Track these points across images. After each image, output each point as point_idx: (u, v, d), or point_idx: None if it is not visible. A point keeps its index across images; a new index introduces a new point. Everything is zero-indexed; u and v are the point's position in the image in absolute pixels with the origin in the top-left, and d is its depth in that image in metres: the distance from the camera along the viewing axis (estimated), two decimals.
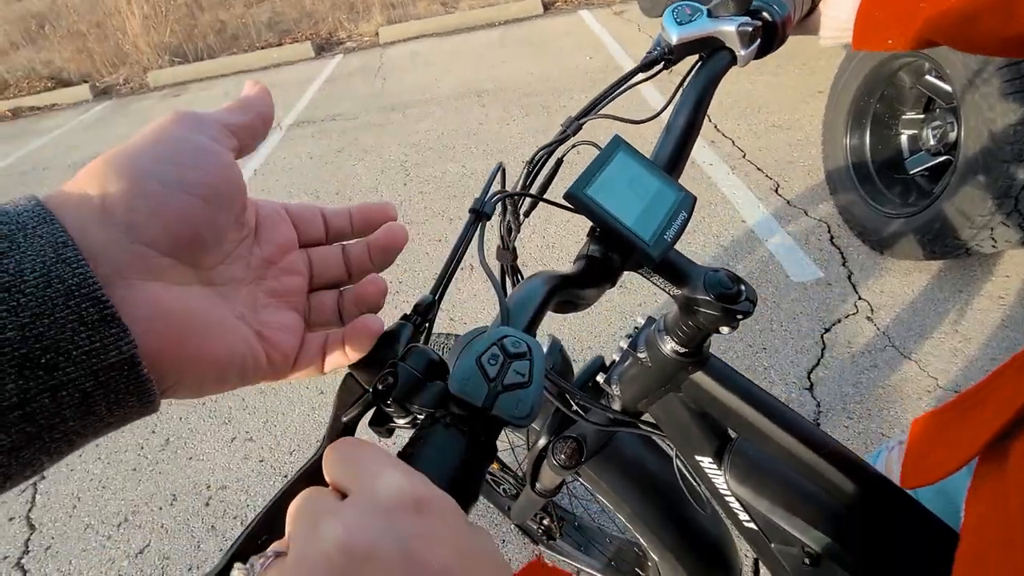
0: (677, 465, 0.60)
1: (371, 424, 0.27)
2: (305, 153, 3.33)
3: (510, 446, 1.14)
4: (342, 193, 2.79)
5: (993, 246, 1.51)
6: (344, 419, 0.26)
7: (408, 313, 0.28)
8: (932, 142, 1.65)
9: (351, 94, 4.17)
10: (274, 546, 0.19)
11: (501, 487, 1.09)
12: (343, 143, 3.34)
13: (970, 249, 1.54)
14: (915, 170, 1.74)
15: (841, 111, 1.86)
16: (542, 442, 0.62)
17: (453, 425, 0.23)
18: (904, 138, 1.78)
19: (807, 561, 0.50)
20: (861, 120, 1.83)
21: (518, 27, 4.98)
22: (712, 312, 0.38)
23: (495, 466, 1.06)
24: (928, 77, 1.63)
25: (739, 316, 0.38)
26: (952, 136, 1.56)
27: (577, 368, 0.61)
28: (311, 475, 0.24)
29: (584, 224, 0.34)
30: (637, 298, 1.86)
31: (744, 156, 2.44)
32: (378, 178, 2.85)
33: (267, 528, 0.24)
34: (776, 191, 2.21)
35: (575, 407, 0.55)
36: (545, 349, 0.60)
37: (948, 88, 1.53)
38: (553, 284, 0.29)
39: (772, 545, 0.55)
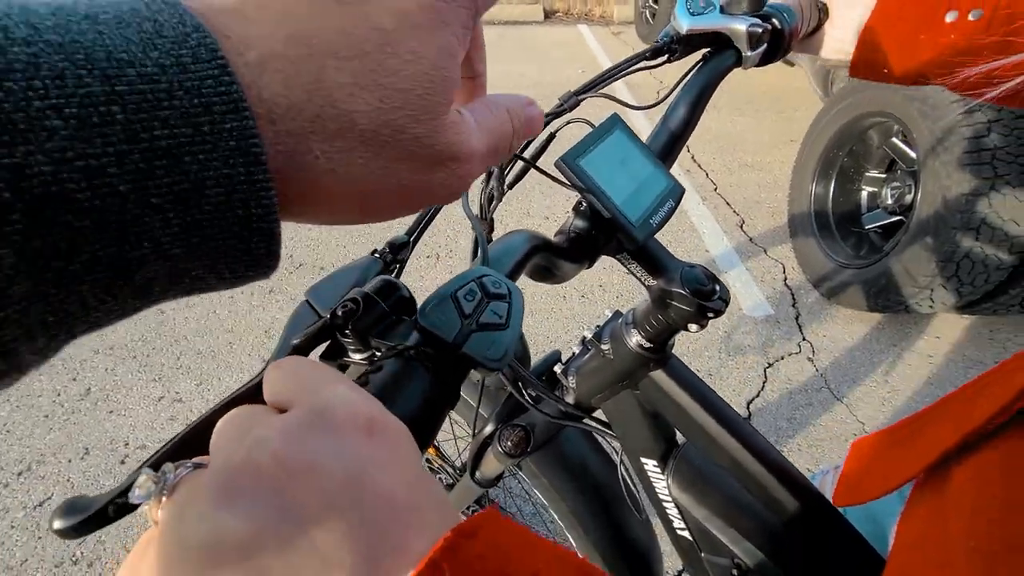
0: (621, 465, 0.60)
1: (323, 357, 0.24)
2: None
3: (452, 437, 1.12)
4: None
5: (930, 307, 1.61)
6: (294, 342, 0.23)
7: (380, 248, 0.26)
8: (889, 201, 1.74)
9: None
10: (195, 459, 0.17)
11: (438, 476, 1.07)
12: None
13: (909, 307, 1.63)
14: (870, 226, 1.83)
15: (811, 159, 1.94)
16: (489, 428, 0.60)
17: (417, 360, 0.21)
18: (864, 194, 1.88)
19: (735, 573, 0.51)
20: (828, 171, 1.92)
21: (516, 30, 4.99)
22: (685, 307, 0.38)
23: (432, 452, 1.03)
24: (895, 139, 1.73)
25: (710, 314, 0.38)
26: (908, 198, 1.66)
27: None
28: (247, 397, 0.21)
29: (559, 211, 0.33)
30: (596, 309, 1.88)
31: (715, 189, 2.52)
32: None
33: (189, 449, 0.21)
34: (741, 227, 2.29)
35: (529, 395, 0.54)
36: None
37: (912, 153, 1.62)
38: (536, 242, 0.28)
39: (703, 555, 0.55)
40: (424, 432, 0.20)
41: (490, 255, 0.25)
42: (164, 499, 0.16)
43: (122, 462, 1.41)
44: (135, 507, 0.17)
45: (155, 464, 0.17)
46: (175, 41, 0.13)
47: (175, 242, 0.14)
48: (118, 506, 0.19)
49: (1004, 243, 1.40)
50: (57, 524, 0.19)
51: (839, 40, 0.47)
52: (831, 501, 0.47)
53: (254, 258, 0.15)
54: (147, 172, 0.12)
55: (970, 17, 0.40)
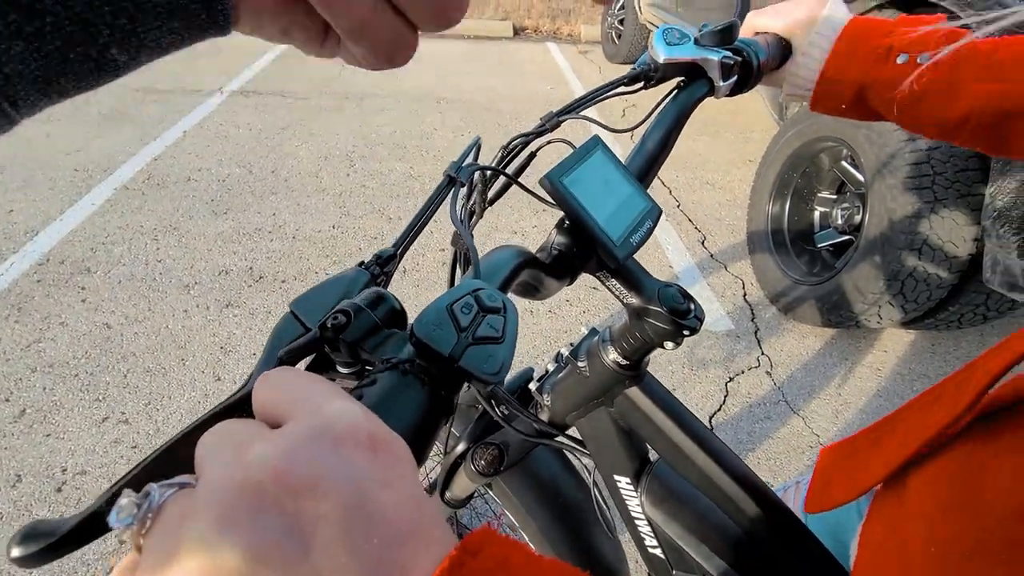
0: (593, 484, 0.59)
1: (309, 370, 0.23)
2: (245, 124, 3.12)
3: None
4: (278, 172, 2.64)
5: (878, 322, 1.69)
6: (280, 354, 0.22)
7: (366, 260, 0.25)
8: (840, 221, 1.83)
9: (306, 73, 4.00)
10: (180, 477, 0.16)
11: None
12: (288, 121, 3.18)
13: (859, 322, 1.71)
14: (823, 244, 1.92)
15: (768, 180, 2.03)
16: (461, 447, 0.59)
17: (413, 373, 0.20)
18: (817, 214, 1.97)
19: None
20: (784, 191, 2.00)
21: (486, 45, 5.04)
22: (661, 325, 0.38)
23: None
24: (844, 163, 1.83)
25: (686, 332, 0.39)
26: (857, 219, 1.75)
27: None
28: (232, 410, 0.20)
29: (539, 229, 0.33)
30: (564, 324, 1.89)
31: (678, 206, 2.59)
32: (320, 164, 2.73)
33: (166, 467, 0.19)
34: (703, 243, 2.36)
35: (502, 413, 0.53)
36: None
37: (860, 176, 1.71)
38: (524, 258, 0.28)
39: (673, 572, 0.55)
40: (421, 447, 0.19)
41: (482, 267, 0.25)
42: (149, 523, 0.15)
43: (58, 489, 1.31)
44: (106, 530, 0.15)
45: (132, 484, 0.16)
46: None
47: None
48: (86, 530, 0.17)
49: (944, 263, 1.49)
50: (16, 552, 0.17)
51: (800, 78, 0.50)
52: (795, 513, 0.49)
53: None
54: None
55: (919, 60, 0.43)
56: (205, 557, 0.14)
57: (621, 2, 4.44)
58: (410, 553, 0.15)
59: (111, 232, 2.15)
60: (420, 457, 0.20)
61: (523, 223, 2.35)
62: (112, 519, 0.14)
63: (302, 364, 0.23)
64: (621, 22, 4.47)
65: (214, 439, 0.17)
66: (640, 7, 3.91)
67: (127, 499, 0.15)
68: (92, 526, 0.17)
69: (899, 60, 0.44)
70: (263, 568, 0.14)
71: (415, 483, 0.17)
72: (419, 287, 2.00)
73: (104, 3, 0.14)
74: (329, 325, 0.21)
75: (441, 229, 2.22)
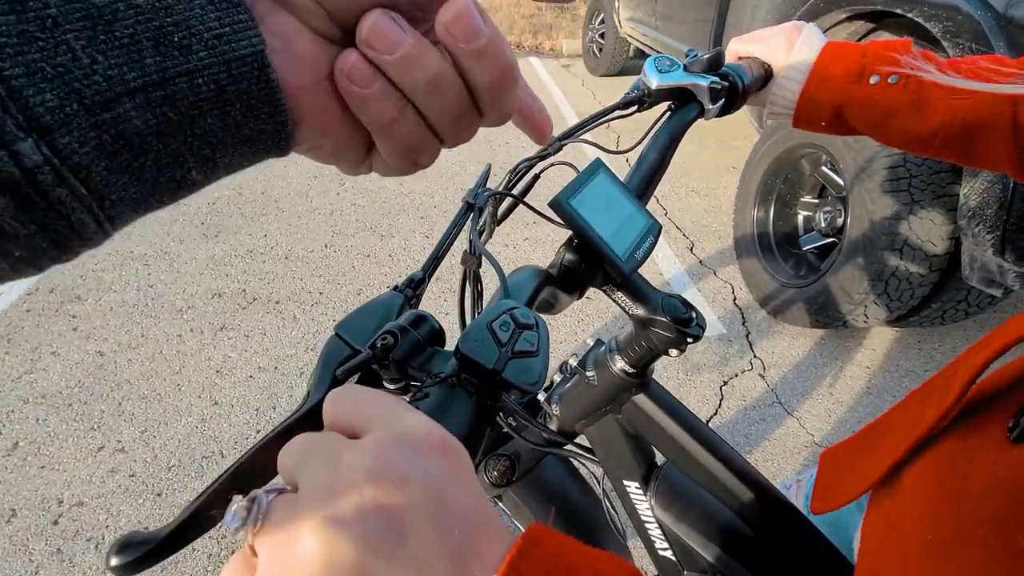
0: (603, 492, 0.61)
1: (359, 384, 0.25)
2: None
3: None
4: (268, 193, 2.64)
5: (865, 321, 1.73)
6: (338, 373, 0.24)
7: (399, 284, 0.28)
8: (823, 224, 1.88)
9: None
10: (273, 484, 0.18)
11: None
12: None
13: (847, 322, 1.76)
14: (807, 247, 1.97)
15: (751, 186, 2.08)
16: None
17: (460, 386, 0.22)
18: (800, 218, 2.02)
19: None
20: (767, 197, 2.05)
21: None
22: (666, 333, 0.41)
23: None
24: (824, 168, 1.88)
25: (689, 339, 0.41)
26: (840, 221, 1.80)
27: None
28: (299, 426, 0.22)
29: (543, 248, 0.35)
30: (561, 335, 1.91)
31: (666, 214, 2.64)
32: (310, 183, 2.74)
33: (247, 477, 0.21)
34: (691, 250, 2.40)
35: (511, 424, 0.55)
36: None
37: (840, 180, 1.77)
38: (544, 276, 0.30)
39: (685, 573, 0.57)
40: (473, 452, 0.21)
41: (510, 287, 0.27)
42: (259, 523, 0.17)
43: (55, 522, 1.29)
44: (194, 538, 0.17)
45: (219, 493, 0.18)
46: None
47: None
48: (179, 536, 0.19)
49: (924, 261, 1.54)
50: (115, 561, 0.19)
51: (782, 98, 0.54)
52: (800, 511, 0.51)
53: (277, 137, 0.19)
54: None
55: (889, 80, 0.47)
56: (323, 551, 0.16)
57: (601, 16, 4.54)
58: (483, 542, 0.18)
59: (101, 259, 2.13)
60: (473, 461, 0.21)
61: (515, 236, 2.37)
62: (228, 519, 0.16)
63: (350, 381, 0.25)
64: (602, 36, 4.56)
65: (297, 450, 0.19)
66: (620, 22, 4.01)
67: (238, 503, 0.17)
68: (185, 533, 0.19)
69: (872, 80, 0.48)
70: (372, 556, 0.16)
71: (477, 483, 0.19)
72: (422, 306, 2.01)
73: (195, 139, 0.17)
74: (379, 345, 0.23)
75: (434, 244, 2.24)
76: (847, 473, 0.41)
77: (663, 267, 2.29)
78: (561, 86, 4.44)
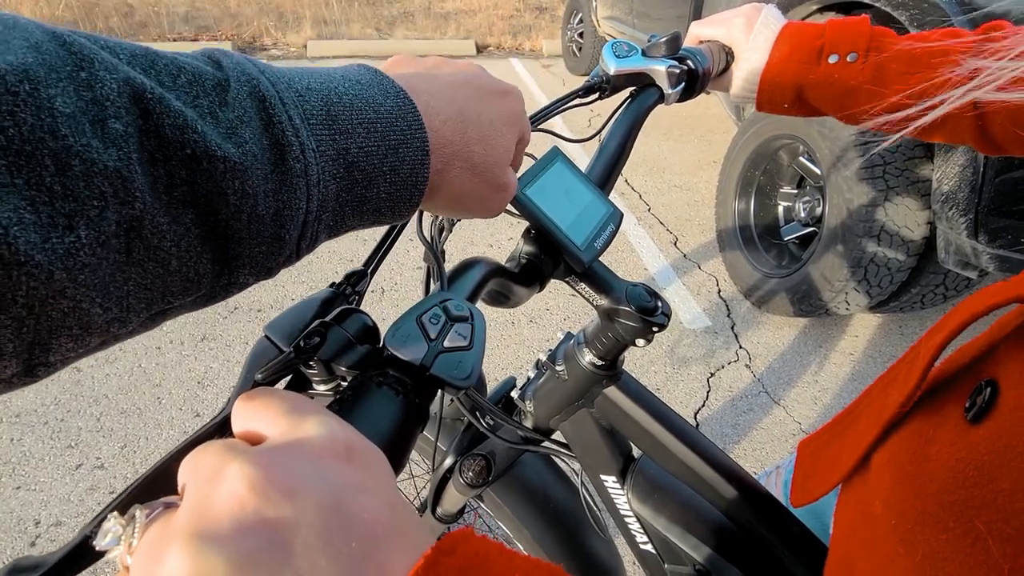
0: (582, 485, 0.60)
1: (288, 389, 0.24)
2: None
3: (409, 475, 1.09)
4: None
5: (847, 308, 1.75)
6: (258, 377, 0.23)
7: (338, 281, 0.26)
8: (802, 214, 1.90)
9: None
10: (164, 499, 0.16)
11: None
12: None
13: (829, 310, 1.77)
14: (788, 237, 1.99)
15: (731, 179, 2.09)
16: (449, 461, 0.60)
17: (387, 384, 0.21)
18: (780, 208, 2.04)
19: None
20: (748, 189, 2.07)
21: None
22: (631, 323, 0.40)
23: None
24: (801, 158, 1.90)
25: (655, 328, 0.40)
26: (819, 211, 1.81)
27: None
28: (213, 433, 0.21)
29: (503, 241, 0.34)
30: (546, 332, 1.90)
31: (649, 210, 2.65)
32: None
33: (152, 493, 0.20)
34: (675, 244, 2.41)
35: (487, 423, 0.54)
36: None
37: (817, 170, 1.78)
38: (491, 267, 0.29)
39: (665, 566, 0.56)
40: (397, 455, 0.20)
41: (448, 281, 0.26)
42: (135, 542, 0.15)
43: (32, 544, 1.26)
44: (97, 558, 0.16)
45: (119, 510, 0.16)
46: (396, 100, 0.25)
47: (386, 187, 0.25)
48: (73, 559, 0.18)
49: (902, 247, 1.55)
50: None
51: (744, 80, 0.53)
52: (776, 497, 0.50)
53: (413, 203, 0.26)
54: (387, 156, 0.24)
55: (848, 59, 0.47)
56: (192, 568, 0.14)
57: (580, 16, 4.55)
58: (388, 554, 0.16)
59: None
60: (397, 464, 0.20)
61: (498, 235, 2.36)
62: (99, 541, 0.15)
63: (280, 385, 0.23)
64: (581, 35, 4.57)
65: (195, 459, 0.17)
66: (598, 21, 4.02)
67: (111, 521, 0.15)
68: (80, 555, 0.18)
69: (831, 60, 0.47)
70: (249, 574, 0.14)
71: (391, 489, 0.18)
72: (399, 306, 1.99)
73: (369, 208, 0.24)
74: (303, 345, 0.22)
75: (418, 247, 2.22)
76: (822, 464, 0.41)
77: (647, 262, 2.29)
78: (542, 86, 4.45)
